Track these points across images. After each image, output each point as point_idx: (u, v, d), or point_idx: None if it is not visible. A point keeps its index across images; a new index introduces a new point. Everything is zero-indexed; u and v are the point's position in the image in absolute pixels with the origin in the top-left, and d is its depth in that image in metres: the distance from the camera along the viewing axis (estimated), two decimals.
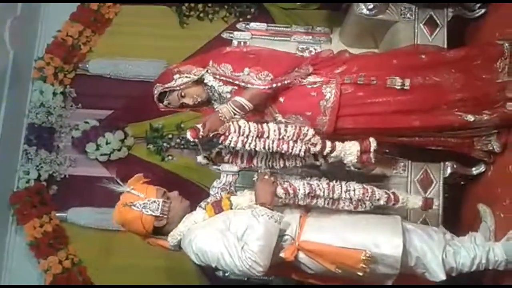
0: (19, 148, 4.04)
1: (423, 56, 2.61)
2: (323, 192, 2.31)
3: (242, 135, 2.31)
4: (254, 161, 2.52)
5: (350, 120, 2.54)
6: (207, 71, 2.52)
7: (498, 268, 2.38)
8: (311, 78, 2.54)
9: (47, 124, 4.05)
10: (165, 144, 4.05)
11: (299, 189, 2.30)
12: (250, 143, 2.31)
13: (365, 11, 2.99)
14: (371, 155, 2.43)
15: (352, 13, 3.10)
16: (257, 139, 2.32)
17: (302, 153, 2.37)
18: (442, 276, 2.26)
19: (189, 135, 2.31)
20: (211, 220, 2.23)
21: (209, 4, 4.06)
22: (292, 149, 2.35)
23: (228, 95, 2.54)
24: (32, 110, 4.05)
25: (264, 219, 2.09)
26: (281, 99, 2.52)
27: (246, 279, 3.18)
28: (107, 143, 4.02)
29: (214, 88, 2.56)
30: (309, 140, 2.37)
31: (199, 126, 2.31)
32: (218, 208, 2.28)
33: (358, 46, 3.28)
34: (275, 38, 3.34)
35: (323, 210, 2.37)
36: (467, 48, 2.70)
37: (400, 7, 2.99)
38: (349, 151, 2.43)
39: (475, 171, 2.89)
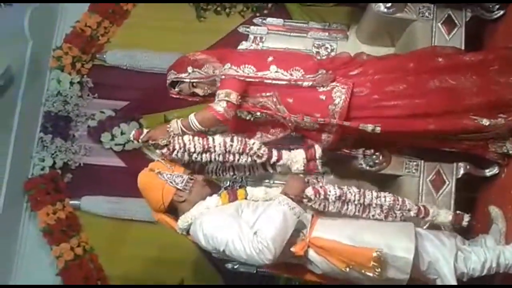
0: (35, 136, 4.08)
1: (440, 59, 2.59)
2: (354, 196, 2.27)
3: (187, 151, 2.29)
4: (206, 170, 2.53)
5: (364, 122, 2.54)
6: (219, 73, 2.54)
7: (509, 271, 2.37)
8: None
9: (64, 113, 4.10)
10: None
11: (330, 191, 2.25)
12: (196, 157, 2.30)
13: (383, 9, 2.99)
14: (318, 162, 2.39)
15: (370, 11, 3.09)
16: (204, 153, 2.30)
17: (247, 164, 2.38)
18: (453, 282, 2.25)
19: (132, 134, 2.37)
20: (224, 206, 2.25)
21: None
22: (238, 161, 2.34)
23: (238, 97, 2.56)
24: (49, 99, 4.09)
25: (285, 208, 2.11)
26: (290, 100, 2.54)
27: (255, 271, 3.21)
28: (122, 134, 4.05)
29: None
30: (255, 153, 2.34)
31: (145, 130, 2.35)
32: (233, 196, 2.29)
33: (374, 44, 3.28)
34: (292, 34, 3.35)
35: (335, 213, 2.35)
36: (485, 52, 2.68)
37: (419, 6, 2.99)
38: (295, 159, 2.39)
39: (488, 172, 2.88)
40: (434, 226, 2.50)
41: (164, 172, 2.28)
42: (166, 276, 3.86)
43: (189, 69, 2.57)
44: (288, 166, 2.41)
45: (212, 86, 2.60)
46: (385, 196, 2.29)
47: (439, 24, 2.97)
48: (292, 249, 2.17)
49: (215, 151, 2.30)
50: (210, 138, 2.32)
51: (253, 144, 2.34)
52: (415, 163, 2.88)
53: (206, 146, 2.28)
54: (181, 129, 2.40)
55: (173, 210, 2.33)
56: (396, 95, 2.53)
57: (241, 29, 3.40)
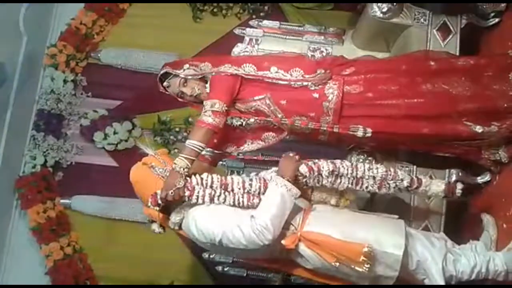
0: (27, 133, 4.07)
1: (433, 63, 2.59)
2: (347, 170, 2.30)
3: (207, 186, 2.22)
4: None
5: (358, 120, 2.54)
6: (211, 73, 2.53)
7: (497, 278, 2.36)
8: None
9: (56, 111, 4.08)
10: (172, 137, 4.07)
11: (323, 167, 2.27)
12: (219, 196, 2.21)
13: (378, 14, 2.98)
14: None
15: (366, 16, 3.09)
16: (226, 192, 2.22)
17: None
18: (440, 282, 2.25)
19: (150, 203, 2.24)
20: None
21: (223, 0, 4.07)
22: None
23: None
24: (42, 96, 4.08)
25: (282, 190, 2.12)
26: (283, 101, 2.53)
27: (245, 274, 3.20)
28: (114, 133, 4.04)
29: None
30: None
31: (157, 191, 2.23)
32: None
33: (370, 49, 3.27)
34: (287, 36, 3.34)
35: (326, 206, 2.37)
36: (477, 57, 2.69)
37: (414, 11, 2.99)
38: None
39: (480, 180, 2.87)
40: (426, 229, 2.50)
41: (157, 167, 2.26)
42: (156, 277, 3.85)
43: (185, 66, 2.57)
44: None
45: (202, 87, 2.59)
46: (377, 168, 2.32)
47: (434, 30, 2.97)
48: (283, 241, 2.16)
49: (233, 190, 2.22)
50: (228, 177, 2.27)
51: None
52: (407, 168, 2.87)
53: (224, 182, 2.22)
54: (187, 159, 2.28)
55: (164, 206, 2.28)
56: (390, 94, 2.53)
57: (237, 31, 3.39)
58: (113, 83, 4.17)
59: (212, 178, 2.25)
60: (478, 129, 2.53)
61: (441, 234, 2.53)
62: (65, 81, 4.09)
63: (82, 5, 4.13)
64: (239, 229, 2.07)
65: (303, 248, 2.19)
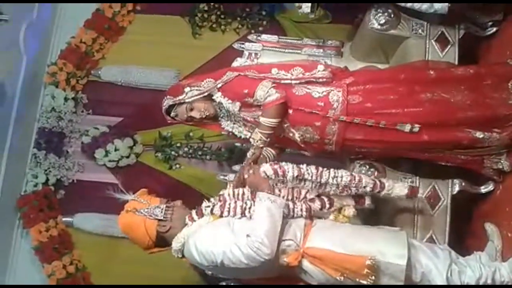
0: (29, 152, 4.06)
1: (432, 72, 2.61)
2: (311, 176, 2.33)
3: (238, 199, 2.30)
4: None
5: (359, 130, 2.54)
6: (216, 87, 2.54)
7: None
8: (318, 89, 2.55)
9: (57, 129, 4.09)
10: (173, 153, 4.06)
11: (288, 171, 2.32)
12: (249, 208, 2.23)
13: (376, 25, 3.00)
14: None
15: (364, 28, 3.11)
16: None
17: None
18: None
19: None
20: (215, 222, 2.24)
21: (222, 16, 4.09)
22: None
23: (236, 112, 2.56)
24: (43, 115, 4.08)
25: (267, 203, 2.15)
26: (289, 111, 2.54)
27: None
28: (116, 150, 4.03)
29: (222, 104, 2.58)
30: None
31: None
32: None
33: (368, 61, 3.29)
34: (286, 50, 3.36)
35: (326, 222, 2.37)
36: (477, 66, 2.70)
37: (412, 23, 3.01)
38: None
39: (483, 189, 2.87)
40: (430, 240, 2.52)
41: (141, 209, 2.25)
42: None
43: (186, 89, 2.57)
44: None
45: (209, 106, 2.59)
46: (342, 176, 2.35)
47: (432, 41, 2.98)
48: (286, 259, 2.15)
49: (306, 179, 2.34)
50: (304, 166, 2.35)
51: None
52: (410, 179, 2.87)
53: (253, 195, 2.27)
54: (261, 133, 2.47)
55: (162, 241, 2.29)
56: (389, 103, 2.54)
57: (236, 46, 3.42)
58: (114, 100, 4.18)
59: (243, 191, 2.30)
60: (479, 135, 2.53)
61: (444, 246, 2.52)
62: (65, 99, 4.09)
63: (81, 23, 4.15)
64: (238, 248, 2.06)
65: (306, 264, 2.18)
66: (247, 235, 2.07)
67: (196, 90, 2.56)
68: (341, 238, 2.23)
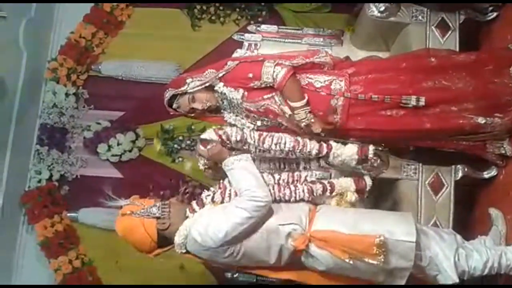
0: (31, 148, 4.07)
1: (433, 59, 2.60)
2: (254, 141, 2.36)
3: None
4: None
5: (361, 120, 2.54)
6: (218, 77, 2.53)
7: (510, 272, 2.36)
8: (320, 78, 2.55)
9: (59, 125, 4.09)
10: (175, 146, 4.06)
11: (231, 135, 2.36)
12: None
13: (376, 13, 2.99)
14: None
15: (364, 16, 3.10)
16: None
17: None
18: (454, 278, 2.24)
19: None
20: (215, 207, 2.26)
21: (221, 7, 4.08)
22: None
23: (239, 101, 2.55)
24: (45, 111, 4.08)
25: (235, 165, 2.23)
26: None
27: (255, 280, 3.18)
28: (118, 144, 4.03)
29: (224, 94, 2.57)
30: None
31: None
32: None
33: (369, 49, 3.29)
34: (286, 40, 3.36)
35: (330, 206, 2.37)
36: (478, 52, 2.69)
37: (412, 9, 3.00)
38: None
39: (486, 174, 2.87)
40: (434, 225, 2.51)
41: (137, 210, 2.23)
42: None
43: (188, 80, 2.56)
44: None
45: (211, 97, 2.59)
46: (285, 142, 2.36)
47: (432, 27, 2.98)
48: (293, 243, 2.16)
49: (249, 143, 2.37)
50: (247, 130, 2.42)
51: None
52: (413, 166, 2.88)
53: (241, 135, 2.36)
54: (300, 111, 2.46)
55: (164, 240, 2.27)
56: (391, 92, 2.53)
57: (236, 37, 3.42)
58: (115, 94, 4.17)
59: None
60: (481, 120, 2.53)
61: (450, 230, 2.52)
62: (67, 95, 4.09)
63: (80, 18, 4.14)
64: (239, 208, 2.12)
65: (314, 249, 2.18)
66: (237, 196, 2.17)
67: (198, 80, 2.55)
68: (347, 220, 2.23)
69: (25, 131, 4.00)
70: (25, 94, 3.93)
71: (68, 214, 4.01)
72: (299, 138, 2.38)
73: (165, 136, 4.08)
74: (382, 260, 2.07)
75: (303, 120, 2.44)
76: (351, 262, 2.10)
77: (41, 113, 4.10)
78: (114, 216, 3.81)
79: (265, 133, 2.38)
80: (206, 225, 2.14)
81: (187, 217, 2.25)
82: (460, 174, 2.84)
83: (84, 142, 4.12)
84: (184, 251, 2.26)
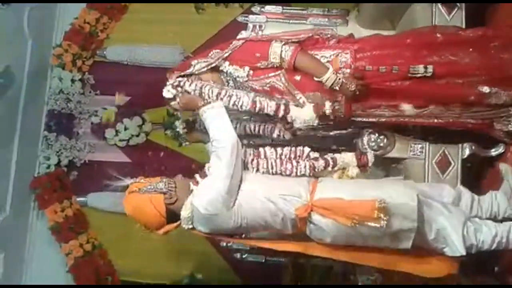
0: (39, 134, 4.10)
1: (439, 35, 2.57)
2: (210, 99, 2.40)
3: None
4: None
5: (367, 94, 2.52)
6: (223, 57, 2.53)
7: None
8: (326, 53, 2.54)
9: (67, 111, 4.11)
10: (183, 129, 4.07)
11: (184, 85, 2.44)
12: (252, 161, 2.37)
13: None
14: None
15: None
16: (258, 159, 2.40)
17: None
18: (462, 251, 2.25)
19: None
20: None
21: None
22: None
23: (245, 79, 2.55)
24: (52, 97, 4.10)
25: (208, 113, 2.29)
26: (297, 77, 2.52)
27: (263, 260, 3.21)
28: (125, 129, 4.06)
29: (230, 73, 2.57)
30: None
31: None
32: None
33: (375, 28, 3.27)
34: (291, 20, 3.33)
35: (333, 178, 2.40)
36: (484, 28, 2.66)
37: None
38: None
39: (494, 152, 2.86)
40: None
41: (143, 187, 2.26)
42: (176, 269, 3.88)
43: (193, 62, 2.56)
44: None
45: (218, 78, 2.58)
46: (242, 103, 2.43)
47: (439, 4, 2.94)
48: (295, 211, 2.18)
49: (266, 155, 2.40)
50: (260, 148, 2.43)
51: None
52: (420, 145, 2.87)
53: (256, 151, 2.40)
54: (323, 75, 2.44)
55: (173, 216, 2.29)
56: (397, 65, 2.51)
57: (240, 19, 3.40)
58: (121, 79, 4.17)
59: (245, 148, 2.36)
60: (485, 89, 2.50)
61: (458, 187, 2.55)
62: (73, 81, 4.10)
63: (84, 4, 4.13)
64: (215, 161, 2.20)
65: (316, 217, 2.20)
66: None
67: (204, 62, 2.55)
68: (348, 187, 2.26)
69: (33, 118, 4.03)
70: (32, 81, 3.95)
71: (78, 199, 4.06)
72: (256, 99, 2.43)
73: (172, 120, 4.09)
74: (385, 223, 2.08)
75: (335, 83, 2.42)
76: (354, 225, 2.11)
77: (48, 99, 4.13)
78: (121, 199, 3.90)
79: (224, 92, 2.43)
80: (203, 191, 2.19)
81: (192, 190, 2.28)
82: (467, 152, 2.83)
83: (92, 127, 4.15)
84: (190, 226, 2.28)
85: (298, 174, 2.34)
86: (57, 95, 4.09)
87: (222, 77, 2.60)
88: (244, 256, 3.27)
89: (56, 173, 4.04)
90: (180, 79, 2.48)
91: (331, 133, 2.74)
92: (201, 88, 2.43)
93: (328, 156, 2.41)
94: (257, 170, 2.35)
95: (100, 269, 3.94)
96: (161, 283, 3.91)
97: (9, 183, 3.80)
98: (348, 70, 2.49)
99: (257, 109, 2.42)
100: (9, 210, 3.79)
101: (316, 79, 2.45)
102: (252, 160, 2.36)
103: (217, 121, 2.27)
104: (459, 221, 2.28)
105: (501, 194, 2.49)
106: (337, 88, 2.43)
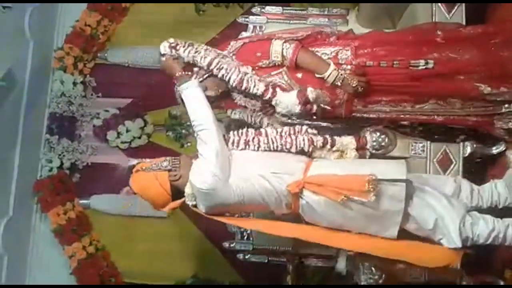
0: (41, 137, 4.11)
1: (439, 33, 2.57)
2: (204, 67, 2.43)
3: (242, 134, 2.41)
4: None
5: (369, 92, 2.53)
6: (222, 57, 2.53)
7: None
8: (326, 50, 2.54)
9: (68, 113, 4.12)
10: (184, 131, 4.09)
11: (179, 50, 2.47)
12: (253, 139, 2.38)
13: None
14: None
15: None
16: (259, 136, 2.41)
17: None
18: (458, 243, 2.26)
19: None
20: None
21: None
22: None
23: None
24: (53, 100, 4.11)
25: (184, 93, 2.31)
26: (299, 75, 2.53)
27: (266, 261, 3.21)
28: (127, 131, 4.07)
29: None
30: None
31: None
32: None
33: (375, 27, 3.25)
34: (291, 21, 3.33)
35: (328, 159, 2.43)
36: (484, 25, 2.66)
37: None
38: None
39: (495, 150, 2.85)
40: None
41: (148, 165, 2.33)
42: (179, 270, 3.88)
43: (195, 69, 2.54)
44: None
45: (221, 84, 2.58)
46: (230, 78, 2.45)
47: (438, 3, 2.93)
48: (287, 187, 2.21)
49: (266, 133, 2.41)
50: (261, 129, 2.45)
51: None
52: (421, 144, 2.86)
53: (257, 131, 2.42)
54: (325, 72, 2.44)
55: (177, 193, 2.34)
56: (393, 65, 2.52)
57: (241, 20, 3.40)
58: (122, 81, 4.19)
59: (247, 129, 2.42)
60: (486, 90, 2.51)
61: (458, 178, 2.56)
62: (74, 83, 4.12)
63: (85, 6, 4.14)
64: (199, 141, 2.24)
65: (307, 194, 2.23)
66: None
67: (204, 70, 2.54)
68: (342, 165, 2.32)
69: (35, 121, 4.04)
70: (33, 84, 3.96)
71: (80, 201, 4.07)
72: (245, 77, 2.43)
73: (173, 122, 4.10)
74: (373, 198, 2.12)
75: (337, 79, 2.43)
76: (343, 201, 2.14)
77: (50, 102, 4.14)
78: (124, 201, 3.93)
79: (215, 62, 2.43)
80: (196, 169, 2.24)
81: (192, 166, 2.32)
82: (468, 150, 2.81)
83: (94, 130, 4.16)
84: (194, 202, 2.33)
85: (298, 147, 2.36)
86: (58, 98, 4.10)
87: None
88: (247, 257, 3.27)
89: (59, 176, 4.05)
90: (178, 42, 2.49)
91: (323, 124, 2.74)
92: (193, 56, 2.43)
93: (327, 135, 2.44)
94: (259, 147, 2.37)
95: (103, 271, 3.95)
96: (164, 284, 3.91)
97: (12, 186, 3.82)
98: (349, 67, 2.50)
99: (243, 87, 2.43)
100: (12, 212, 3.80)
101: (317, 75, 2.46)
102: (253, 138, 2.38)
103: (193, 103, 2.29)
104: (458, 213, 2.29)
105: (502, 183, 2.50)
106: (338, 84, 2.44)
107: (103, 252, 4.00)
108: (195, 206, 2.34)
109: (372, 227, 2.27)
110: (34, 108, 3.99)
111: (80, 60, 4.13)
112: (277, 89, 2.45)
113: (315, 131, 2.44)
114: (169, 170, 2.31)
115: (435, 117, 2.65)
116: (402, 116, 2.66)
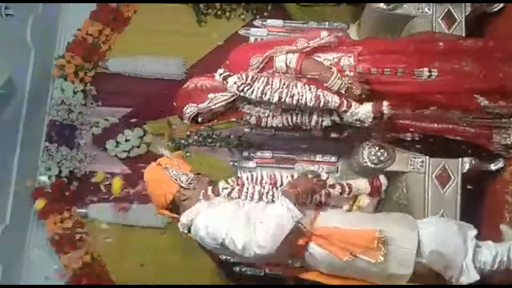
0: (41, 145, 4.11)
1: (441, 44, 2.60)
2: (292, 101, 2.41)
3: (256, 183, 2.36)
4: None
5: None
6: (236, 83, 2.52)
7: None
8: (329, 56, 2.56)
9: (68, 121, 4.12)
10: (183, 141, 4.08)
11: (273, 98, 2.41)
12: (267, 193, 2.30)
13: (382, 5, 2.98)
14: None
15: (369, 8, 3.09)
16: (274, 189, 2.34)
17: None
18: (476, 276, 2.22)
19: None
20: (228, 203, 2.25)
21: (226, 2, 4.08)
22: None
23: None
24: (53, 108, 4.11)
25: (282, 210, 2.07)
26: (305, 80, 2.53)
27: (262, 273, 3.21)
28: (126, 140, 4.07)
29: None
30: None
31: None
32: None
33: None
34: (292, 34, 3.33)
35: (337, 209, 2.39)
36: (486, 39, 2.68)
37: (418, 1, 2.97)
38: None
39: (493, 166, 2.86)
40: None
41: (171, 168, 2.30)
42: (175, 281, 3.85)
43: (210, 95, 2.54)
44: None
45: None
46: (306, 98, 2.42)
47: (439, 19, 2.95)
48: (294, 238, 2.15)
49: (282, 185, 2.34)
50: (276, 173, 2.41)
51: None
52: (420, 159, 2.86)
53: (273, 179, 2.36)
54: (329, 79, 2.46)
55: (175, 208, 2.33)
56: (396, 73, 2.54)
57: (242, 32, 3.40)
58: (122, 91, 4.19)
59: (262, 174, 2.33)
60: (483, 103, 2.52)
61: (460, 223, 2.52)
62: (74, 92, 4.12)
63: (87, 15, 4.16)
64: (242, 235, 2.06)
65: (313, 246, 2.18)
66: (254, 229, 2.06)
67: (221, 95, 2.53)
68: (349, 218, 2.26)
69: (34, 128, 4.04)
70: (34, 91, 3.96)
71: (78, 210, 4.05)
72: (320, 93, 2.41)
73: (173, 132, 4.10)
74: (382, 259, 2.06)
75: (341, 87, 2.45)
76: (350, 260, 2.07)
77: (50, 110, 4.14)
78: (122, 211, 3.91)
79: (284, 94, 2.41)
80: (212, 222, 2.15)
81: (199, 200, 2.27)
82: (467, 167, 2.82)
83: (93, 138, 4.16)
84: (186, 231, 2.28)
85: (313, 202, 2.31)
86: (58, 106, 4.10)
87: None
88: (243, 270, 3.25)
89: (57, 184, 4.04)
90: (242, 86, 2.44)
91: (332, 135, 2.75)
92: (261, 95, 2.41)
93: (344, 182, 2.44)
94: (272, 201, 2.25)
95: (99, 281, 3.92)
96: (164, 284, 3.87)
97: (10, 193, 3.80)
98: (352, 73, 2.51)
99: (321, 104, 2.41)
100: (9, 220, 3.78)
101: (325, 85, 2.48)
102: (267, 192, 2.29)
103: (277, 228, 2.05)
104: (465, 248, 2.26)
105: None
106: (342, 92, 2.46)
107: (99, 262, 3.97)
108: (188, 232, 2.28)
109: (376, 281, 2.22)
110: (34, 115, 3.98)
111: (81, 69, 4.13)
112: (350, 100, 2.45)
113: (332, 181, 2.44)
114: (182, 187, 2.28)
115: (434, 125, 2.65)
116: (402, 122, 2.65)
